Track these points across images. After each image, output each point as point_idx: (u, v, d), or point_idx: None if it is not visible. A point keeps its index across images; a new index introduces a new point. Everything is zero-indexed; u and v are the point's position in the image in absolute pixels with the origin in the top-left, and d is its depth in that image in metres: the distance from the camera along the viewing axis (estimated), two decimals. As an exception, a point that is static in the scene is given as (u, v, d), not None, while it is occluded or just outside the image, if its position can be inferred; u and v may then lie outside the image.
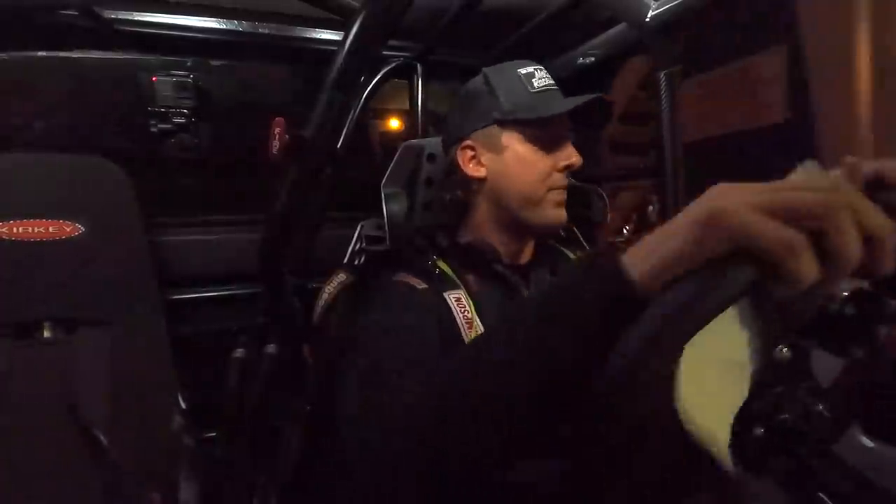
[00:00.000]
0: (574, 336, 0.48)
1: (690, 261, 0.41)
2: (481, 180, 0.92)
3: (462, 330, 0.80)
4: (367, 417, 0.61)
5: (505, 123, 0.88)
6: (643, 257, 0.44)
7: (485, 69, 0.93)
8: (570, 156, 0.89)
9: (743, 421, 0.52)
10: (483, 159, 0.91)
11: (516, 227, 0.91)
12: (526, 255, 0.96)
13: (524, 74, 0.90)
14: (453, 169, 0.94)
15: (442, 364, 0.59)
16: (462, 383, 0.54)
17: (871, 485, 0.53)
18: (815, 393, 0.54)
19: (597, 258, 0.48)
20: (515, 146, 0.88)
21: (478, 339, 0.60)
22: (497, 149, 0.90)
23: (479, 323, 0.82)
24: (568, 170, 0.89)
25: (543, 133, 0.88)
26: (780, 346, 0.52)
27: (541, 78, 0.90)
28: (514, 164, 0.89)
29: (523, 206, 0.89)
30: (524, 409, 0.50)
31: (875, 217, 0.37)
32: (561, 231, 1.00)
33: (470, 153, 0.92)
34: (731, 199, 0.39)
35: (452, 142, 0.95)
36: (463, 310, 0.82)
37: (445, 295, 0.82)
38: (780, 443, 0.53)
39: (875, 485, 0.53)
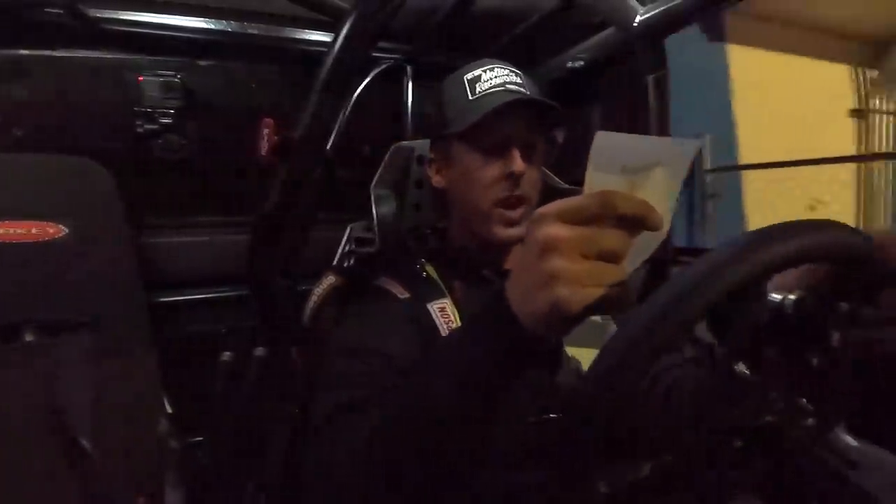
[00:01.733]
0: (459, 386, 0.50)
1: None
2: (444, 191, 0.92)
3: None
4: (324, 433, 0.64)
5: (447, 137, 0.87)
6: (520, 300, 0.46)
7: (445, 79, 0.90)
8: (508, 163, 0.82)
9: (723, 431, 0.53)
10: (443, 172, 0.92)
11: (480, 238, 0.88)
12: (511, 262, 0.92)
13: (469, 79, 0.86)
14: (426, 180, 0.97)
15: (384, 399, 0.61)
16: (384, 427, 0.57)
17: (852, 485, 0.54)
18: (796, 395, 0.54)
19: (489, 309, 0.49)
20: (461, 157, 0.86)
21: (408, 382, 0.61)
22: (449, 160, 0.89)
23: None
24: (510, 178, 0.82)
25: (485, 141, 0.83)
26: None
27: (487, 80, 0.85)
28: (459, 175, 0.87)
29: (473, 218, 0.87)
30: (424, 456, 0.53)
31: (630, 200, 0.42)
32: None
33: (435, 166, 0.93)
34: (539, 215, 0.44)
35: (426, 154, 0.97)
36: (447, 320, 0.80)
37: (429, 306, 0.81)
38: (762, 447, 0.54)
39: (858, 485, 0.53)
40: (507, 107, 0.79)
